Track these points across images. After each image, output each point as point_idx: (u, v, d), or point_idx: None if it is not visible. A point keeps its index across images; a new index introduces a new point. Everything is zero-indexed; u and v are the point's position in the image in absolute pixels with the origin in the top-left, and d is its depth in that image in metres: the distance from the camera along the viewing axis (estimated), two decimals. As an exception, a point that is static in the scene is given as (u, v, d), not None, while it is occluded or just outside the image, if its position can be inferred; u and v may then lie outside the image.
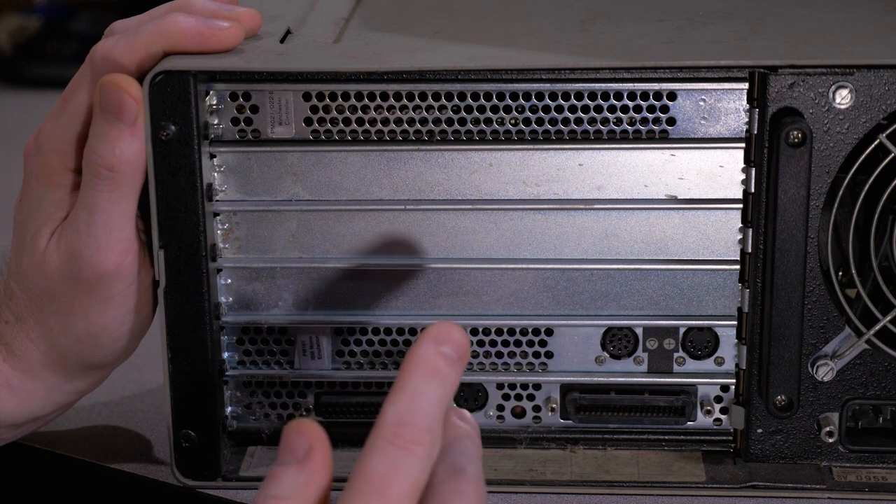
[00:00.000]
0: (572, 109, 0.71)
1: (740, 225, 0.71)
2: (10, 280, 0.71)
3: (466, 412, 0.58)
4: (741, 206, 0.71)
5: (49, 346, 0.71)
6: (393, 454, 0.52)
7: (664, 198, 0.71)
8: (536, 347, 0.74)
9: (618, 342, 0.74)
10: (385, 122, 0.71)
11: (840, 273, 0.71)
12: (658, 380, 0.74)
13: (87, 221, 0.69)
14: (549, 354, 0.74)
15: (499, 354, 0.74)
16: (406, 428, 0.52)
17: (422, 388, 0.53)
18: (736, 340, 0.73)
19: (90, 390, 0.74)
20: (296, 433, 0.53)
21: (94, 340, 0.71)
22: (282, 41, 0.72)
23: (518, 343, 0.74)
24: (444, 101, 0.71)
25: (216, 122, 0.71)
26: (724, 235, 0.72)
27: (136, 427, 0.79)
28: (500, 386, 0.75)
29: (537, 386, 0.74)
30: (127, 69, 0.68)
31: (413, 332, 0.74)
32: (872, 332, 0.71)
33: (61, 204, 0.70)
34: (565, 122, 0.71)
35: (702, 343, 0.74)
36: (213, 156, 0.71)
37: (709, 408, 0.74)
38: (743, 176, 0.71)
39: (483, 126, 0.71)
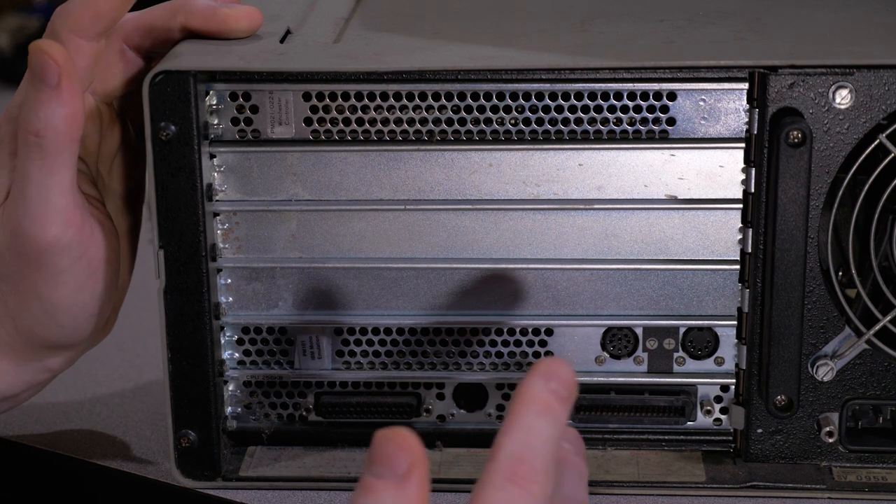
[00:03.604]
0: (572, 109, 0.71)
1: (740, 225, 0.71)
2: None
3: (572, 431, 0.59)
4: (741, 206, 0.71)
5: (12, 326, 0.70)
6: (511, 492, 0.51)
7: (664, 198, 0.71)
8: (536, 347, 0.74)
9: (618, 342, 0.74)
10: (385, 122, 0.71)
11: (840, 273, 0.71)
12: (658, 380, 0.74)
13: (21, 192, 0.68)
14: (549, 354, 0.74)
15: (499, 354, 0.74)
16: (523, 465, 0.52)
17: (535, 425, 0.53)
18: (736, 340, 0.73)
19: (62, 369, 0.73)
20: (395, 445, 0.50)
21: (51, 319, 0.70)
22: (282, 41, 0.72)
23: (518, 343, 0.74)
24: (444, 101, 0.71)
25: (216, 122, 0.71)
26: (724, 235, 0.72)
27: (136, 427, 0.79)
28: (500, 386, 0.75)
29: (537, 386, 0.74)
30: (86, 30, 0.69)
31: (413, 332, 0.74)
32: (872, 332, 0.71)
33: (5, 182, 0.69)
34: (565, 122, 0.71)
35: (702, 343, 0.74)
36: (213, 156, 0.71)
37: (709, 408, 0.74)
38: (743, 176, 0.71)
39: (483, 126, 0.71)
